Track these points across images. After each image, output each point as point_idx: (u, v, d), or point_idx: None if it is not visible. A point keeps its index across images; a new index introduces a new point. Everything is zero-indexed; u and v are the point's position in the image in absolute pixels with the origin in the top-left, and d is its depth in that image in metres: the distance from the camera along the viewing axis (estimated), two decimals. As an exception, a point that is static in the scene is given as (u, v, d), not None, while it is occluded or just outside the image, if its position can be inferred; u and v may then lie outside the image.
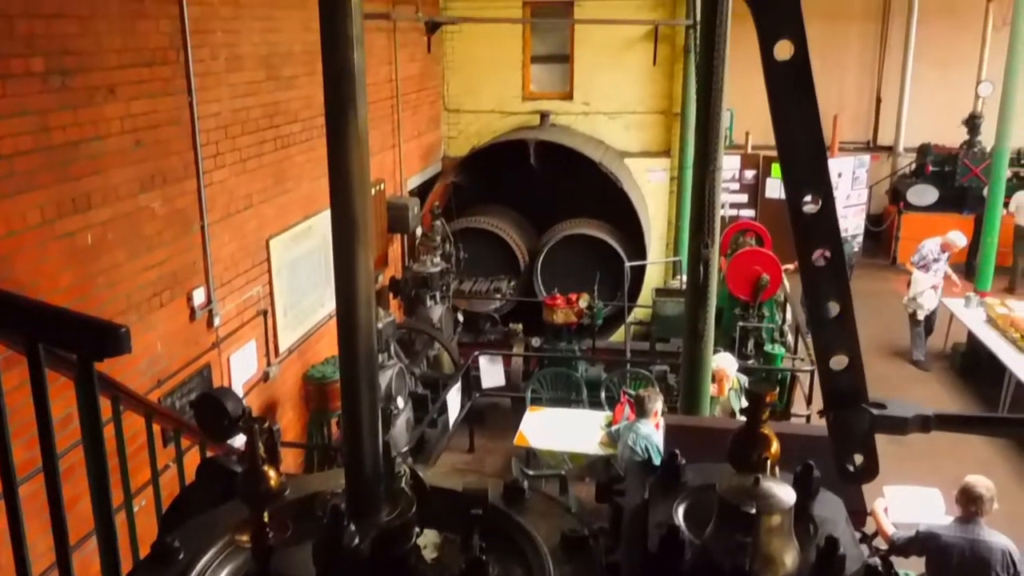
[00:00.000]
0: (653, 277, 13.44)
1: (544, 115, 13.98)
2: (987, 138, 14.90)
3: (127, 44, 6.19)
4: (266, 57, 8.17)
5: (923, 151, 16.53)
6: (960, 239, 11.88)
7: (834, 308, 1.23)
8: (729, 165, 15.18)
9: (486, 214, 12.82)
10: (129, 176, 6.17)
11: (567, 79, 14.49)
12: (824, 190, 1.18)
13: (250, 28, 7.93)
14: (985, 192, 14.03)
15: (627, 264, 11.58)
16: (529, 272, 12.53)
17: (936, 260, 11.81)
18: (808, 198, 1.18)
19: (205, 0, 7.17)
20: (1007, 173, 13.86)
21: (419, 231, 11.38)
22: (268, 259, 8.20)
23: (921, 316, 11.81)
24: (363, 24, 1.30)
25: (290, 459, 8.51)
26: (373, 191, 10.61)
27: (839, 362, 1.25)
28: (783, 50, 1.14)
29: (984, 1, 16.19)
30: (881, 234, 17.12)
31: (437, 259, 10.27)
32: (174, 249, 6.74)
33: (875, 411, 1.27)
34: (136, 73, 6.28)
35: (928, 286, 11.66)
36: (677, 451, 1.37)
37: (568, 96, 14.42)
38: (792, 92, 1.14)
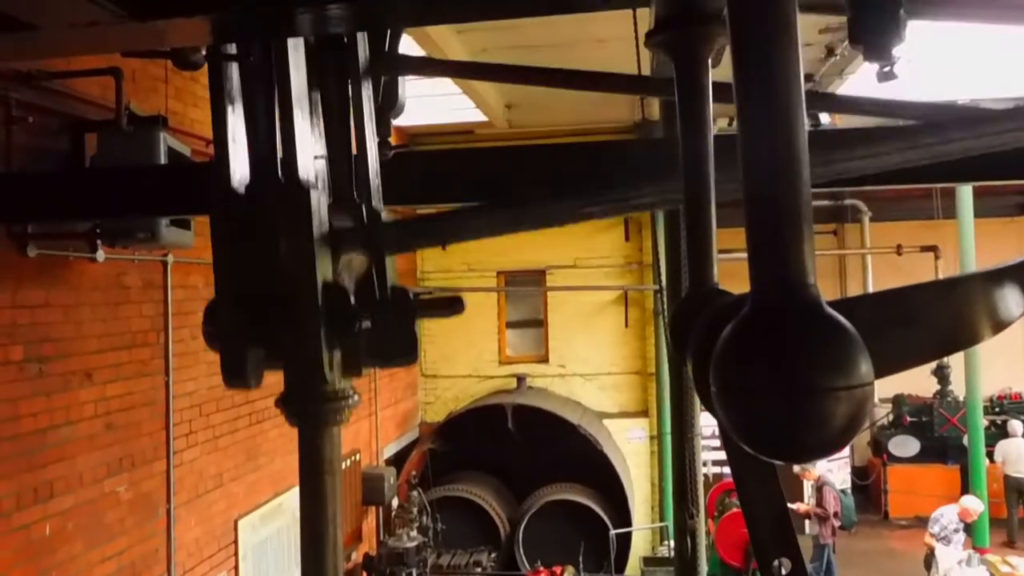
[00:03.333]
0: (640, 544, 12.91)
1: (521, 378, 14.16)
2: (958, 386, 15.19)
3: (108, 329, 6.30)
4: (246, 334, 8.34)
5: (897, 402, 16.73)
6: (977, 504, 11.35)
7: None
8: (708, 421, 15.18)
9: (464, 481, 12.53)
10: (96, 461, 6.01)
11: (542, 343, 14.86)
12: (792, 552, 1.15)
13: (232, 308, 8.16)
14: (965, 441, 14.03)
15: (612, 531, 11.17)
16: (510, 543, 12.01)
17: (956, 531, 11.10)
18: (778, 562, 1.14)
19: (189, 283, 7.43)
20: (984, 422, 13.97)
21: (395, 502, 11.03)
22: (235, 541, 7.81)
23: None
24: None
25: None
26: (348, 462, 10.44)
27: None
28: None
29: (932, 259, 17.25)
30: (869, 487, 16.83)
31: (414, 532, 9.86)
32: (136, 536, 6.42)
33: None
34: (115, 356, 6.33)
35: (955, 562, 10.81)
36: None
37: (544, 359, 14.71)
38: (750, 456, 1.14)
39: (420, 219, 2.38)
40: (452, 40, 9.42)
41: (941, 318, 1.18)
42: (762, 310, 0.91)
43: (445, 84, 10.66)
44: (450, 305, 2.16)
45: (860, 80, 10.48)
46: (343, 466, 10.20)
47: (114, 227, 5.63)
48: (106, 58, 5.76)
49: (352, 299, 2.01)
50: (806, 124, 0.92)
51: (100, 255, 5.91)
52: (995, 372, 15.37)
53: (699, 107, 1.49)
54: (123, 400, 6.36)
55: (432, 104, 11.91)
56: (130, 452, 6.41)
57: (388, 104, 2.86)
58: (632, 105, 11.91)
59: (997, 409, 16.18)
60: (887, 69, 8.70)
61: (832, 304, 0.94)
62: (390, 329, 2.07)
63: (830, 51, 9.62)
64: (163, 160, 5.47)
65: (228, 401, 7.92)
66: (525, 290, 15.00)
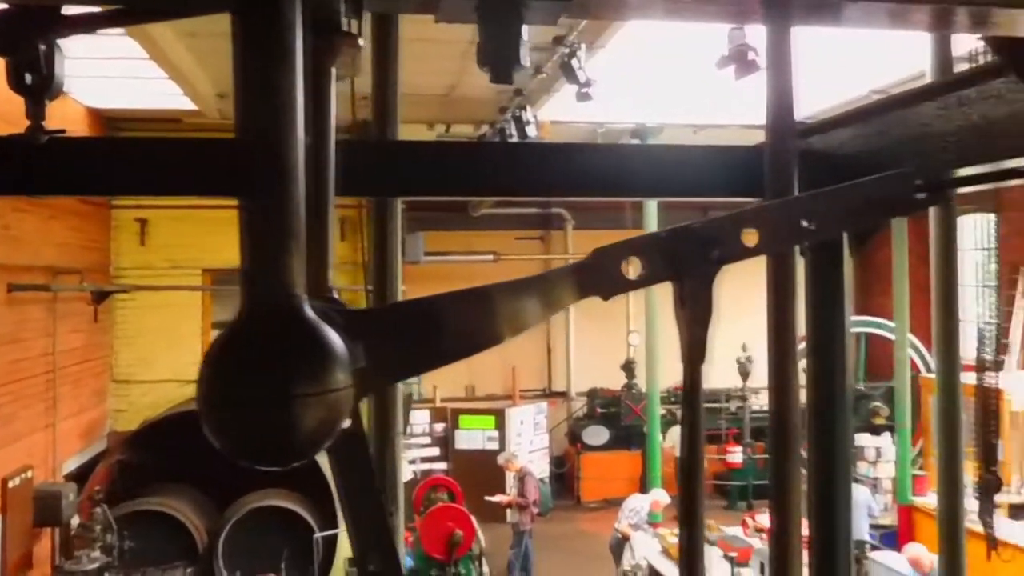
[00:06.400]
0: (348, 545, 12.84)
1: (226, 381, 13.47)
2: (643, 381, 16.86)
3: None
4: None
5: (592, 395, 18.26)
6: (665, 497, 12.46)
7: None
8: (419, 419, 15.53)
9: (160, 494, 11.65)
10: None
11: (251, 344, 14.25)
12: (388, 548, 1.21)
13: None
14: (646, 429, 15.64)
15: (317, 535, 10.99)
16: (209, 555, 11.37)
17: (645, 519, 12.09)
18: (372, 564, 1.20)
19: None
20: (662, 410, 15.66)
21: (75, 521, 9.99)
22: None
23: None
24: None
25: None
26: (17, 480, 9.28)
27: None
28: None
29: (623, 266, 18.96)
30: (564, 475, 18.17)
31: (96, 552, 9.00)
32: None
33: None
34: None
35: (648, 546, 11.71)
36: None
37: (252, 360, 14.11)
38: (350, 458, 1.18)
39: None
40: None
41: (463, 323, 1.31)
42: (244, 320, 0.95)
43: (150, 67, 9.88)
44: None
45: (565, 98, 11.24)
46: (10, 485, 9.06)
47: None
48: None
49: None
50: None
51: None
52: (675, 365, 17.23)
53: (323, 114, 1.50)
54: None
55: (134, 87, 11.02)
56: None
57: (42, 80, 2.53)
58: (353, 102, 11.80)
59: (674, 399, 18.20)
60: (585, 91, 9.44)
61: (349, 313, 1.00)
62: None
63: (538, 68, 10.22)
64: None
65: None
66: (233, 289, 14.27)
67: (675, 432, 16.25)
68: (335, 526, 11.96)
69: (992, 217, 9.72)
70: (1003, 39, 2.07)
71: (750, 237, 1.54)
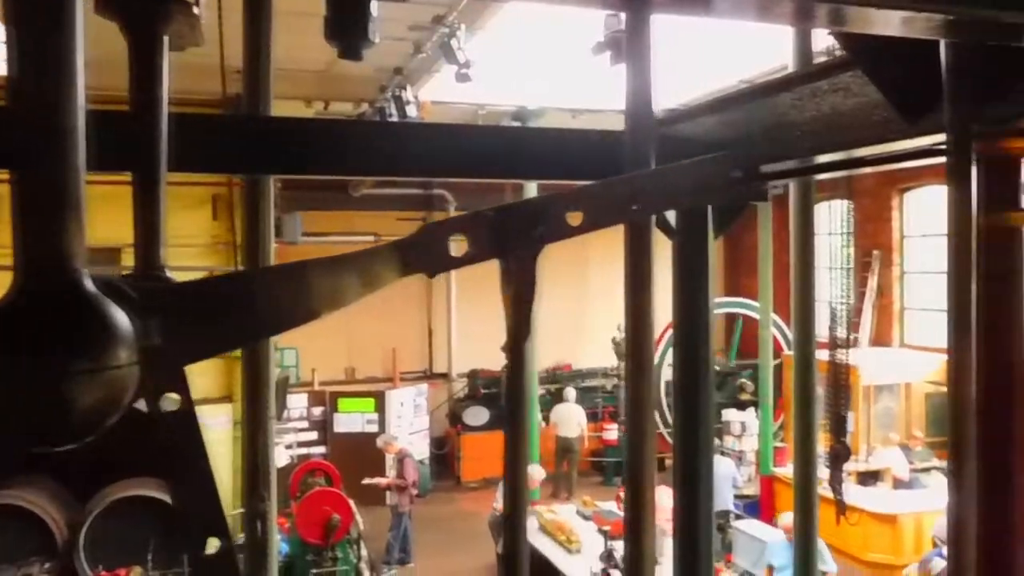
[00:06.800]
0: (222, 532, 12.48)
1: (89, 366, 12.78)
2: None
3: None
4: None
5: (472, 376, 18.38)
6: (539, 473, 12.60)
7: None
8: (297, 403, 15.22)
9: (13, 487, 10.93)
10: None
11: (117, 326, 13.56)
12: (223, 533, 1.20)
13: None
14: (525, 409, 15.89)
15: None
16: (70, 550, 10.79)
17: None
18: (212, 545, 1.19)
19: None
20: (540, 390, 15.93)
21: (-83, 519, 9.26)
22: None
23: None
24: None
25: None
26: None
27: None
28: (168, 402, 1.16)
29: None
30: (445, 456, 18.26)
31: (-59, 552, 8.37)
32: None
33: None
34: None
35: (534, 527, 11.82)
36: None
37: (117, 344, 13.44)
38: (180, 437, 1.17)
39: None
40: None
41: (275, 300, 1.30)
42: (15, 295, 0.92)
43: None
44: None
45: (446, 78, 11.16)
46: None
47: None
48: None
49: None
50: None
51: None
52: (551, 346, 17.58)
53: (153, 83, 1.45)
54: None
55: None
56: None
57: None
58: (219, 77, 11.33)
59: (552, 379, 18.57)
60: (464, 72, 9.40)
61: (147, 288, 0.98)
62: None
63: (418, 48, 10.09)
64: None
65: None
66: (101, 268, 13.52)
67: (559, 410, 16.59)
68: (207, 514, 11.57)
69: (847, 203, 10.37)
70: (849, 35, 2.20)
71: (574, 216, 1.58)
